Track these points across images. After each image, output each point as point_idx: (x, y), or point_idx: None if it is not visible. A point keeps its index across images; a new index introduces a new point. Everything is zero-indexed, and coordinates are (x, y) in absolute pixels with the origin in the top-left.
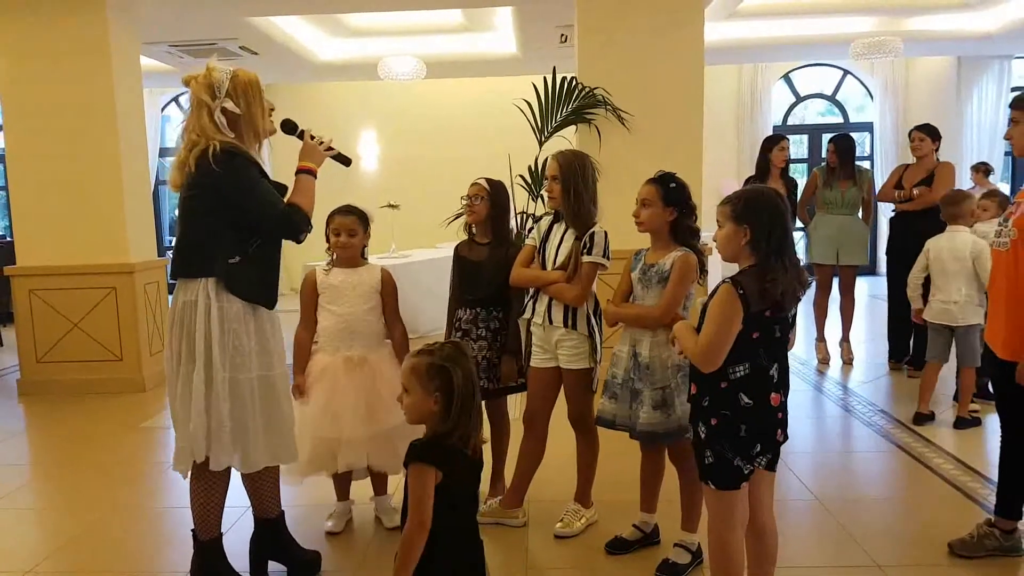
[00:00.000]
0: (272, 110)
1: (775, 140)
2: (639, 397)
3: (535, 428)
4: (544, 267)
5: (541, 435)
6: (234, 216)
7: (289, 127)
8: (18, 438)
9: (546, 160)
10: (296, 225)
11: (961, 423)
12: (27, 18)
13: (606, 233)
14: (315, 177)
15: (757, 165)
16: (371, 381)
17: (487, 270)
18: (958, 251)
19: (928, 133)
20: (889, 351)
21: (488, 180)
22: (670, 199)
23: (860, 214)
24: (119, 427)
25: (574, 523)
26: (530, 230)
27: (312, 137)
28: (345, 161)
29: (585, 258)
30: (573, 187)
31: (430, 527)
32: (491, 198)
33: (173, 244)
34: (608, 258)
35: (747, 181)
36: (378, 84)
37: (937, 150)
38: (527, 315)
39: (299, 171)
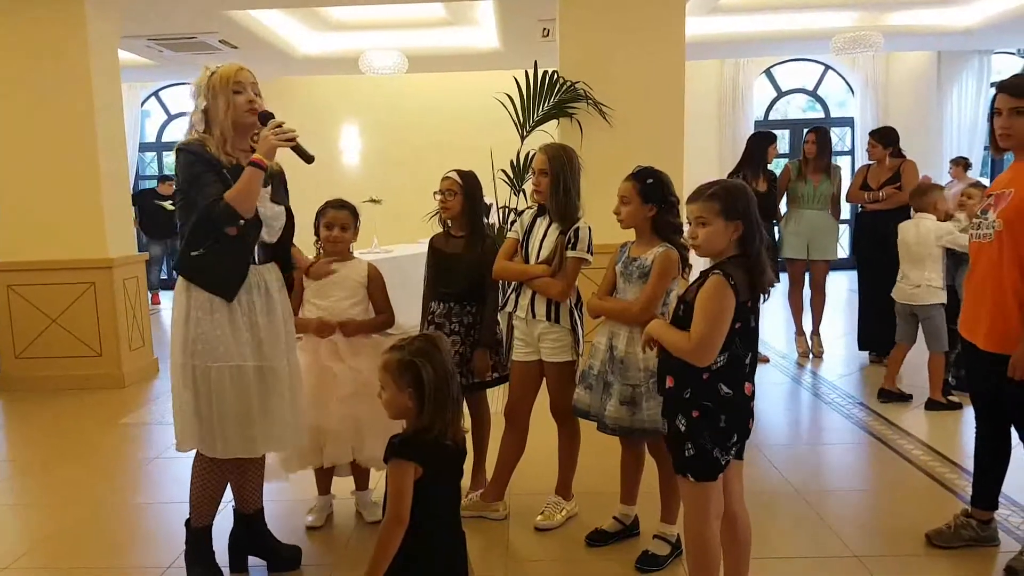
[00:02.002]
0: (251, 102)
1: (772, 138)
2: (609, 390)
3: (516, 421)
4: (527, 261)
5: (522, 428)
6: (190, 210)
7: (264, 119)
8: None
9: (528, 154)
10: (215, 217)
11: (932, 405)
12: (3, 11)
13: (590, 228)
14: (263, 169)
15: (744, 158)
16: (356, 376)
17: (462, 263)
18: (922, 237)
19: (879, 139)
20: (861, 343)
21: (459, 172)
22: (648, 195)
23: (830, 209)
24: (99, 423)
25: (555, 515)
26: (512, 223)
27: (279, 127)
28: (306, 157)
29: (569, 253)
30: (562, 182)
31: (408, 521)
32: (464, 190)
33: None
34: (591, 253)
35: (732, 174)
36: (359, 78)
37: (893, 153)
38: (509, 308)
39: (248, 163)
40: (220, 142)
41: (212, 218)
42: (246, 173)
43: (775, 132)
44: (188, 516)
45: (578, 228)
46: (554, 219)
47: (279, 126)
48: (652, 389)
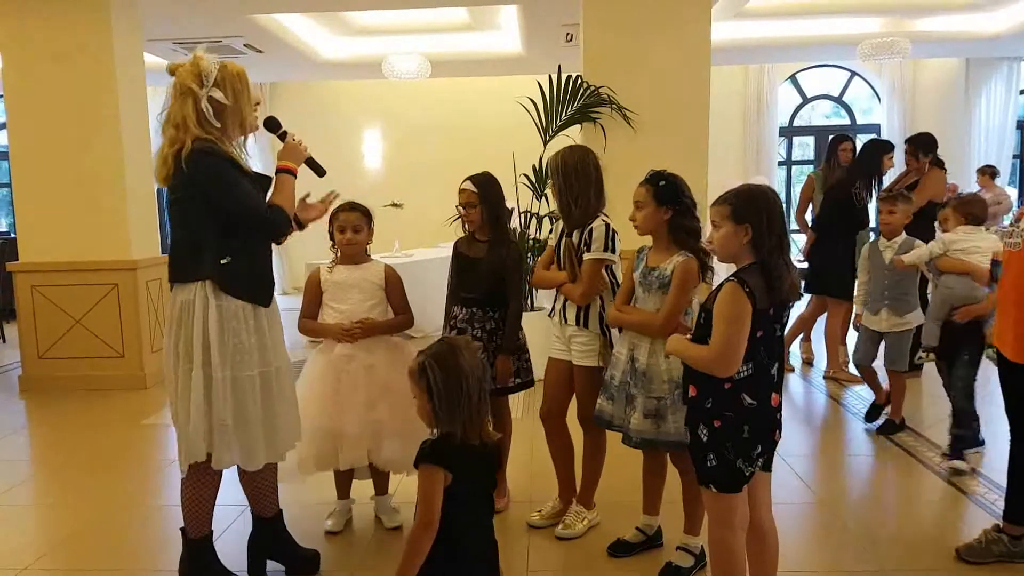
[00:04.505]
0: (258, 104)
1: (889, 147)
2: (633, 403)
3: (552, 422)
4: (558, 267)
5: (560, 429)
6: (217, 217)
7: (273, 125)
8: (19, 434)
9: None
10: (276, 225)
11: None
12: (31, 14)
13: (607, 226)
14: (295, 177)
15: (856, 167)
16: (374, 377)
17: (484, 267)
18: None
19: (917, 146)
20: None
21: (474, 181)
22: (663, 198)
23: None
24: (120, 424)
25: (576, 524)
26: (551, 231)
27: (294, 138)
28: (319, 171)
29: (586, 255)
30: (556, 186)
31: (438, 527)
32: (482, 199)
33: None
34: (613, 251)
35: (844, 184)
36: (382, 82)
37: (932, 161)
38: (548, 312)
39: (279, 170)
40: (235, 138)
41: (276, 225)
42: (287, 181)
43: (794, 137)
44: (183, 525)
45: (592, 228)
46: (563, 222)
47: (294, 138)
48: (677, 401)
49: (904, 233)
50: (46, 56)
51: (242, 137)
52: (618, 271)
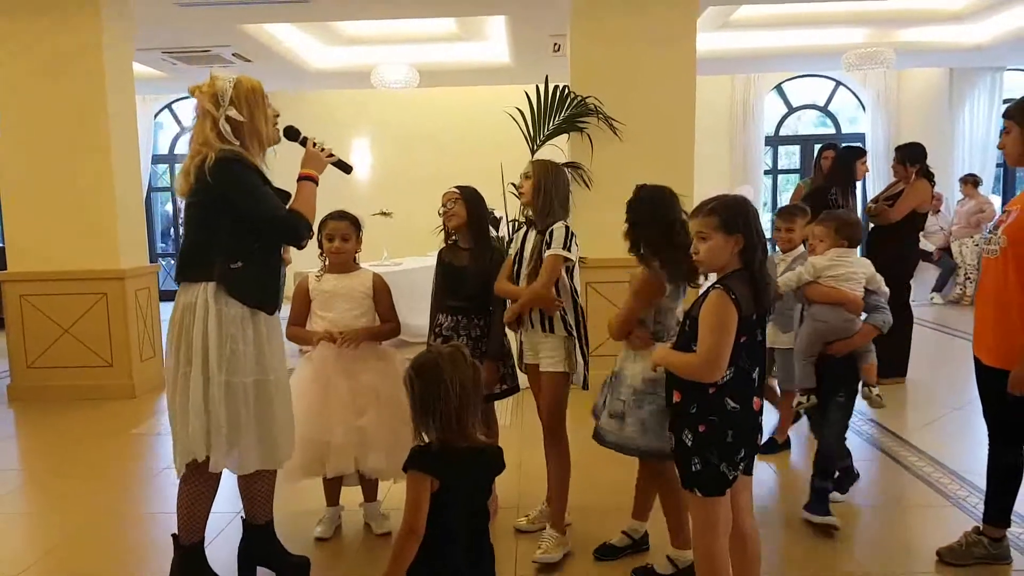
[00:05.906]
0: (277, 116)
1: (861, 153)
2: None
3: (554, 428)
4: (519, 274)
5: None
6: (234, 221)
7: (292, 133)
8: (7, 443)
9: None
10: (298, 231)
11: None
12: (20, 23)
13: (567, 228)
14: (316, 184)
15: (833, 175)
16: (361, 386)
17: (470, 275)
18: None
19: (904, 155)
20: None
21: (459, 187)
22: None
23: None
24: (109, 433)
25: (553, 551)
26: (510, 242)
27: (315, 144)
28: (346, 168)
29: (546, 252)
30: (544, 185)
31: (430, 532)
32: (465, 201)
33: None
34: (570, 251)
35: (820, 192)
36: (371, 92)
37: (919, 172)
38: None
39: (301, 178)
40: (256, 153)
41: (296, 228)
42: (307, 188)
43: (780, 146)
44: (175, 532)
45: (552, 229)
46: (536, 225)
47: (315, 144)
48: (633, 407)
49: (802, 247)
50: (36, 64)
51: (263, 153)
52: (577, 274)
